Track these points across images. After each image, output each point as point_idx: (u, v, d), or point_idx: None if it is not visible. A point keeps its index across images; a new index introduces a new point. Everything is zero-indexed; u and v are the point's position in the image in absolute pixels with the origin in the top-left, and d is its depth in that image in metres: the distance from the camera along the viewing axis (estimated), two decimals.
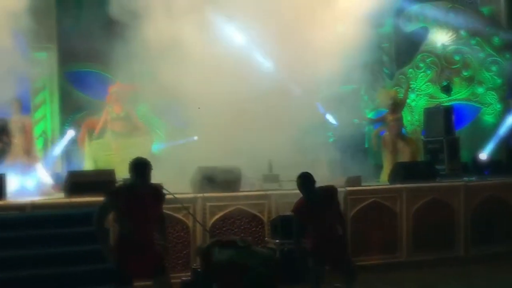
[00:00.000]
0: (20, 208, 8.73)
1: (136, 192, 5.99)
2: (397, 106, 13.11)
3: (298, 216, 7.09)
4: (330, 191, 7.14)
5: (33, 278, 7.65)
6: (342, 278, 7.09)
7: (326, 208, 6.99)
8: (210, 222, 9.30)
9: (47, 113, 13.92)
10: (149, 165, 6.06)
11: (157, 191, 6.24)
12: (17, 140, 10.96)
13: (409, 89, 14.04)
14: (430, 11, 15.19)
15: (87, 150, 12.41)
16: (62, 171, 13.28)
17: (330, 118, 13.13)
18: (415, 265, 10.02)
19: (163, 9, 11.20)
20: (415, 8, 15.31)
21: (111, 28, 12.05)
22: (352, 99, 13.36)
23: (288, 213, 9.48)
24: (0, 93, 11.02)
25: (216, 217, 9.32)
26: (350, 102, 12.97)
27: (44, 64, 13.83)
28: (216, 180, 9.39)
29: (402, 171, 11.00)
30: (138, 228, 5.96)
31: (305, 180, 7.01)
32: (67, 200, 8.96)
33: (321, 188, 7.15)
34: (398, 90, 14.54)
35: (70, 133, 13.07)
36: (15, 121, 11.04)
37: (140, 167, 6.03)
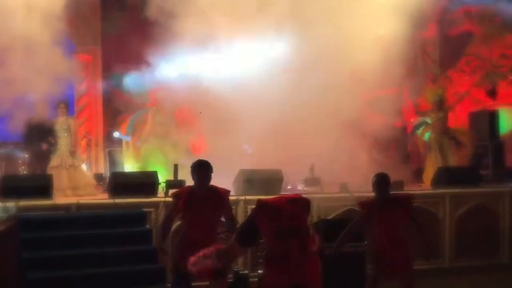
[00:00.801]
0: (66, 208, 8.89)
1: (197, 194, 6.06)
2: (442, 104, 12.93)
3: (365, 212, 6.96)
4: (404, 200, 7.05)
5: (78, 277, 7.77)
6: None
7: (397, 214, 6.86)
8: None
9: (91, 115, 14.19)
10: (209, 167, 6.11)
11: (218, 194, 6.27)
12: (62, 141, 11.13)
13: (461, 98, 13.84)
14: (476, 13, 14.98)
15: (132, 153, 12.55)
16: (105, 172, 13.52)
17: None
18: (458, 271, 9.87)
19: (205, 10, 11.24)
20: (460, 11, 15.10)
21: (152, 31, 12.17)
22: (395, 102, 13.22)
23: (330, 216, 9.58)
24: (46, 95, 11.30)
25: None
26: (393, 105, 12.84)
27: (89, 67, 14.10)
28: (257, 182, 9.41)
29: (445, 176, 10.84)
30: (196, 229, 6.05)
31: (380, 180, 6.92)
32: (111, 200, 9.08)
33: (396, 194, 7.09)
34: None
35: (114, 135, 13.25)
36: (60, 122, 11.23)
37: (200, 169, 6.09)
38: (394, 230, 6.80)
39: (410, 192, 10.32)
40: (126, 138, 12.71)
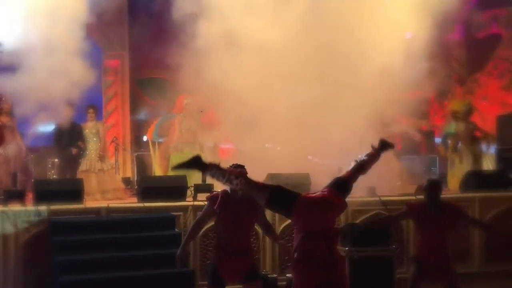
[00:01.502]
0: (96, 212, 9.02)
1: (232, 198, 6.12)
2: (469, 113, 12.84)
3: (410, 213, 7.11)
4: (454, 208, 7.06)
5: (109, 280, 7.88)
6: None
7: (445, 221, 6.89)
8: (280, 228, 9.34)
9: (118, 119, 14.36)
10: (243, 170, 6.17)
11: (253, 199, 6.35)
12: (91, 146, 11.27)
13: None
14: (504, 17, 14.87)
15: (159, 159, 12.62)
16: (133, 176, 13.66)
17: None
18: (487, 276, 9.79)
19: (229, 13, 11.28)
20: (488, 14, 15.00)
21: (178, 36, 12.24)
22: (421, 106, 13.16)
23: (357, 220, 9.59)
24: (74, 99, 11.45)
25: (286, 223, 9.36)
26: (419, 109, 12.79)
27: (117, 72, 14.28)
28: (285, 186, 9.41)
29: (474, 180, 10.78)
30: (232, 234, 6.11)
31: (432, 186, 6.98)
32: (140, 204, 9.18)
33: (447, 202, 7.14)
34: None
35: (143, 139, 13.36)
36: (89, 127, 11.37)
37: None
38: (439, 236, 6.85)
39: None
40: (157, 140, 12.79)
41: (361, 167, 5.82)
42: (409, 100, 12.46)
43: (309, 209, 5.39)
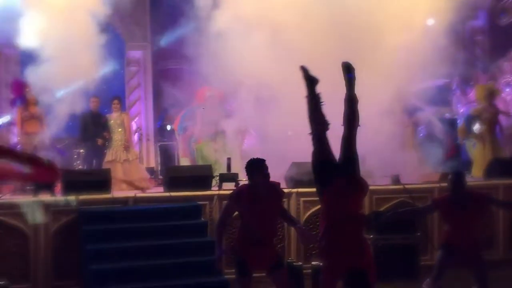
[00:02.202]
0: (123, 201, 9.17)
1: (256, 192, 6.20)
2: (492, 98, 12.75)
3: (436, 206, 7.20)
4: (481, 199, 7.08)
5: (137, 268, 8.02)
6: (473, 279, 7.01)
7: (471, 212, 6.91)
8: (304, 217, 9.43)
9: (141, 110, 14.48)
10: (264, 164, 6.25)
11: (276, 189, 6.42)
12: (116, 136, 11.41)
13: None
14: None
15: (183, 151, 12.71)
16: (156, 166, 13.80)
17: None
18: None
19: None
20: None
21: (201, 26, 12.29)
22: (444, 93, 13.12)
23: (382, 208, 9.63)
24: (98, 91, 11.61)
25: (310, 212, 9.44)
26: (442, 96, 12.74)
27: (139, 62, 14.39)
28: (310, 175, 9.47)
29: (498, 167, 10.74)
30: (257, 225, 6.19)
31: (457, 178, 7.00)
32: (167, 194, 9.30)
33: (473, 191, 7.16)
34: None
35: (167, 128, 13.46)
36: (114, 118, 11.50)
37: (256, 167, 6.23)
38: (467, 225, 6.88)
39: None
40: (182, 132, 12.87)
41: (349, 124, 5.72)
42: (432, 87, 12.45)
43: (337, 193, 5.49)
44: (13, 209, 8.55)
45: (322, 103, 5.76)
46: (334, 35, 10.98)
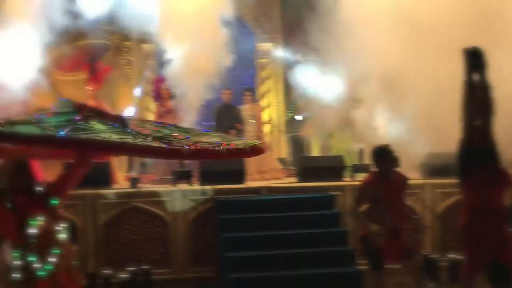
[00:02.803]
0: (257, 191, 9.35)
1: (385, 180, 6.19)
2: None
3: None
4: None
5: (271, 257, 8.19)
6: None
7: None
8: (440, 208, 9.19)
9: (272, 101, 14.64)
10: (389, 149, 6.22)
11: (403, 178, 6.38)
12: (249, 128, 11.64)
13: None
14: None
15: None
16: (288, 156, 13.91)
17: None
18: None
19: None
20: None
21: (330, 19, 12.20)
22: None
23: None
24: (231, 82, 11.86)
25: (446, 203, 9.18)
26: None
27: (270, 54, 14.55)
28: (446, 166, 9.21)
29: None
30: (389, 214, 6.15)
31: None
32: (300, 184, 9.38)
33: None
34: None
35: (296, 118, 13.54)
36: (247, 110, 11.74)
37: (383, 155, 6.21)
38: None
39: None
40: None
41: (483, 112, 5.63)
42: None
43: (479, 184, 5.33)
44: (154, 197, 8.99)
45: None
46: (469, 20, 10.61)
